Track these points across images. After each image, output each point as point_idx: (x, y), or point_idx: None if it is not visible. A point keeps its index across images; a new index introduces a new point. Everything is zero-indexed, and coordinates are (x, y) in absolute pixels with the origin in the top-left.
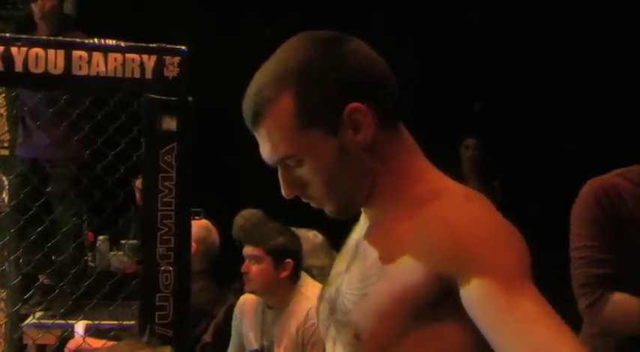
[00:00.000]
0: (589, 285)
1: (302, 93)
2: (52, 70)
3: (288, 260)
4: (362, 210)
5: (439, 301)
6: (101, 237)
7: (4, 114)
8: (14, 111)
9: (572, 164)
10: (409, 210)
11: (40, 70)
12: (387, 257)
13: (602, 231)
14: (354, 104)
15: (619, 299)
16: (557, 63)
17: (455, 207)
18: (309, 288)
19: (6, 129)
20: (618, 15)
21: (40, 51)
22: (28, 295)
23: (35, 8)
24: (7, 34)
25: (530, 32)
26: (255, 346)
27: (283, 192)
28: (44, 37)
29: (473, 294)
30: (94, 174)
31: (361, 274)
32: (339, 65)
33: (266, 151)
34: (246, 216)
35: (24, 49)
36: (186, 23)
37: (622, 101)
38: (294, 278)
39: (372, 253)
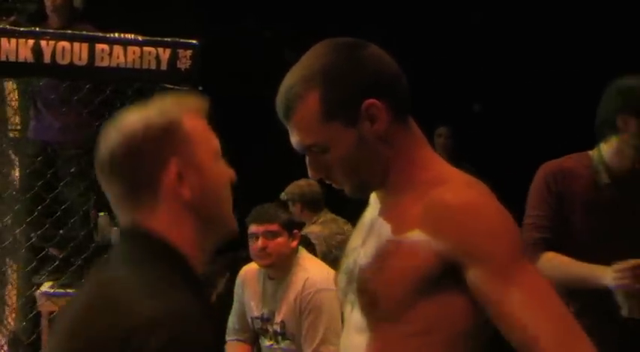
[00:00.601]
0: (529, 246)
1: (326, 91)
2: (77, 62)
3: (296, 231)
4: (375, 192)
5: (443, 275)
6: (102, 214)
7: (16, 104)
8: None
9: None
10: (418, 193)
11: (66, 61)
12: (398, 234)
13: (546, 204)
14: (371, 100)
15: (548, 256)
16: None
17: (456, 193)
18: (306, 260)
19: (16, 114)
20: (606, 20)
21: (66, 44)
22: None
23: (47, 1)
24: (37, 29)
25: (510, 26)
26: (256, 313)
27: (310, 175)
28: (70, 31)
29: (473, 280)
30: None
31: (376, 249)
32: (358, 67)
33: (295, 140)
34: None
35: (52, 43)
36: (186, 18)
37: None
38: (298, 248)
39: (385, 230)
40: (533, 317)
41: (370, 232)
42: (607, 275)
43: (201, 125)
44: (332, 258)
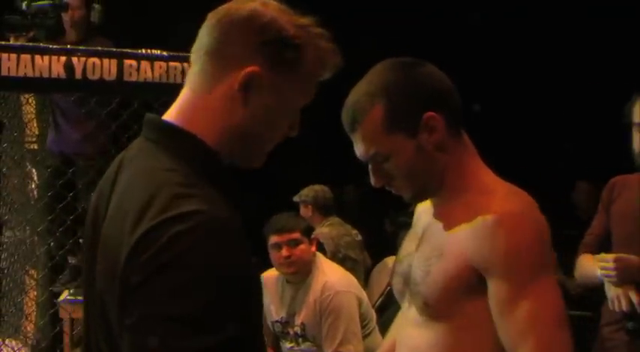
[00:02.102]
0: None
1: (390, 105)
2: (106, 77)
3: (313, 236)
4: (430, 199)
5: (478, 281)
6: None
7: (34, 116)
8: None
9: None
10: (466, 201)
11: (96, 76)
12: (445, 242)
13: (599, 214)
14: (429, 113)
15: (580, 258)
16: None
17: (495, 206)
18: (324, 264)
19: (35, 126)
20: (604, 23)
21: (96, 60)
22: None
23: (66, 17)
24: (68, 46)
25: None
26: (276, 317)
27: (373, 183)
28: (99, 48)
29: (489, 291)
30: None
31: (426, 255)
32: (418, 83)
33: (360, 150)
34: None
35: (83, 59)
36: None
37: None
38: (315, 252)
39: (435, 237)
40: (526, 330)
41: (423, 238)
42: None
43: (318, 67)
44: (340, 257)
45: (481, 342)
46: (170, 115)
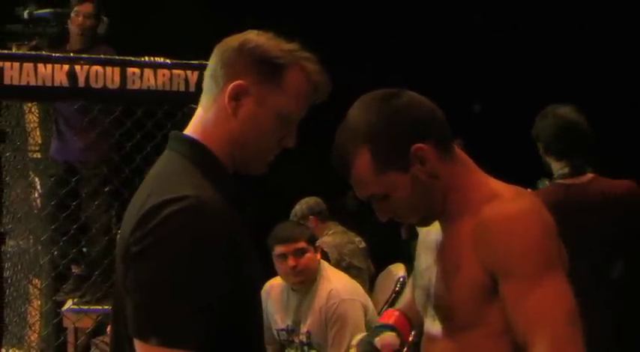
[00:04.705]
0: None
1: (375, 147)
2: (109, 85)
3: (317, 244)
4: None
5: (494, 284)
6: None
7: (37, 125)
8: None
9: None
10: (473, 211)
11: (99, 85)
12: (459, 252)
13: None
14: (417, 145)
15: None
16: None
17: (499, 208)
18: (329, 272)
19: (39, 135)
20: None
21: (99, 68)
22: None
23: (72, 25)
24: (72, 55)
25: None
26: (281, 325)
27: (379, 218)
28: (102, 56)
29: (501, 290)
30: (124, 175)
31: (443, 268)
32: (397, 120)
33: (359, 193)
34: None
35: (86, 67)
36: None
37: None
38: (320, 260)
39: (449, 251)
40: (537, 326)
41: (439, 253)
42: None
43: (303, 84)
44: (344, 265)
45: (509, 348)
46: (186, 130)
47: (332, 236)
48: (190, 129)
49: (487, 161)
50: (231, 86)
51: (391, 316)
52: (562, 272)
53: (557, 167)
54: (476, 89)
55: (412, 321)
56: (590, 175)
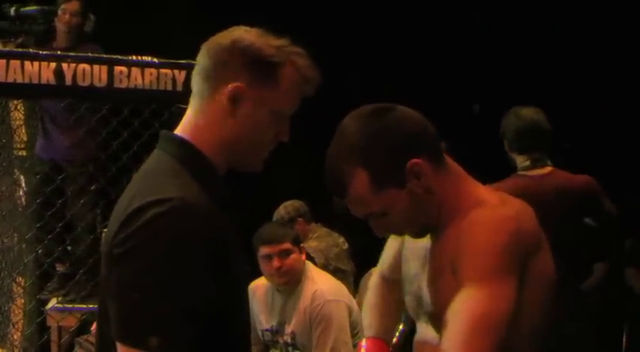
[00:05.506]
0: None
1: (370, 168)
2: (97, 84)
3: (302, 244)
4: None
5: None
6: (106, 230)
7: (23, 122)
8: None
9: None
10: (458, 219)
11: (86, 83)
12: (444, 260)
13: None
14: (412, 160)
15: None
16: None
17: (478, 213)
18: (314, 272)
19: (24, 132)
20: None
21: (86, 66)
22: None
23: (59, 23)
24: (59, 52)
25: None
26: (266, 326)
27: (376, 234)
28: (90, 54)
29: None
30: (110, 174)
31: (432, 274)
32: (390, 137)
33: (357, 212)
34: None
35: (73, 65)
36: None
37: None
38: (305, 261)
39: (437, 257)
40: (450, 324)
41: (427, 260)
42: None
43: (295, 80)
44: (331, 269)
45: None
46: (177, 130)
47: (317, 240)
48: (181, 129)
49: (487, 161)
50: (229, 88)
51: None
52: (510, 284)
53: (519, 161)
54: (475, 89)
55: (391, 334)
56: (548, 168)
